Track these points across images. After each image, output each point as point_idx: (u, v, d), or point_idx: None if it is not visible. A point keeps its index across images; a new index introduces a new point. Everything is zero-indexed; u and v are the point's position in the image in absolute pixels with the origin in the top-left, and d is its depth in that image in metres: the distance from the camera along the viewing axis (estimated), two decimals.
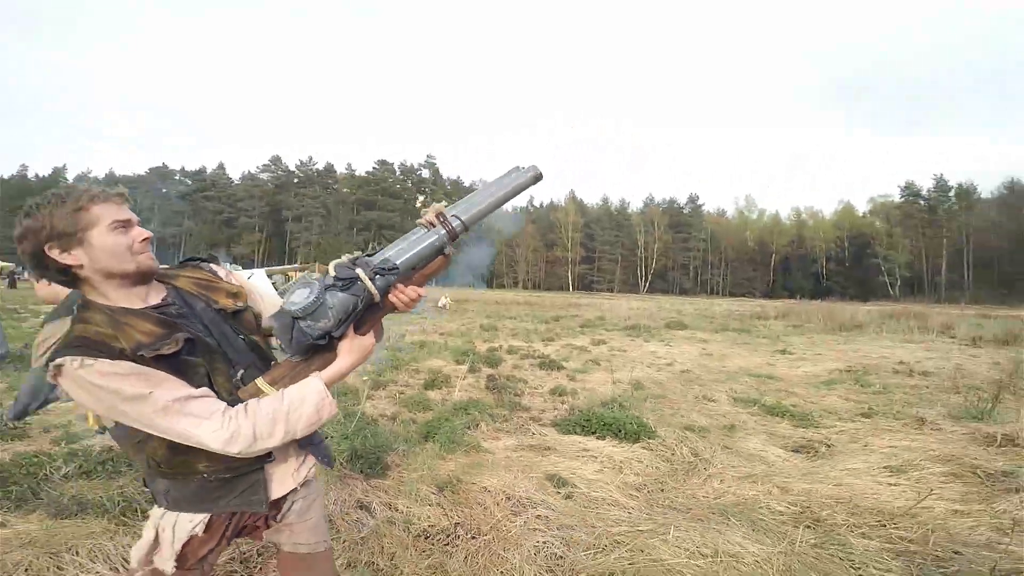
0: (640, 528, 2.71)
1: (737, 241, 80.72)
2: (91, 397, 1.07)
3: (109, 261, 1.14)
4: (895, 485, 3.46)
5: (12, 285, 27.30)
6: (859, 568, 2.40)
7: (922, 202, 71.90)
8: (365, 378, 6.09)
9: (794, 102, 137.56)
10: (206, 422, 1.10)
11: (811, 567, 2.38)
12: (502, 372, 7.24)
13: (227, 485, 1.24)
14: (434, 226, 1.31)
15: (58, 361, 1.05)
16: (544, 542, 2.55)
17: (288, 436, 1.17)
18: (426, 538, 2.58)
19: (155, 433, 1.11)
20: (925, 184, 72.97)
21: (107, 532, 2.48)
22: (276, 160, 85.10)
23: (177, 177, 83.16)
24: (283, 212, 79.58)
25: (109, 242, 1.14)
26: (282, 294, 1.26)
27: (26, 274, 24.30)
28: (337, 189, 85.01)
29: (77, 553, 2.28)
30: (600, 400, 5.43)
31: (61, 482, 3.04)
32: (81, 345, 1.07)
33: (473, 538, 2.57)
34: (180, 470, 1.20)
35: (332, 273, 1.19)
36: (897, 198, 73.79)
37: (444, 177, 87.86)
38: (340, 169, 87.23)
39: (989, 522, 2.91)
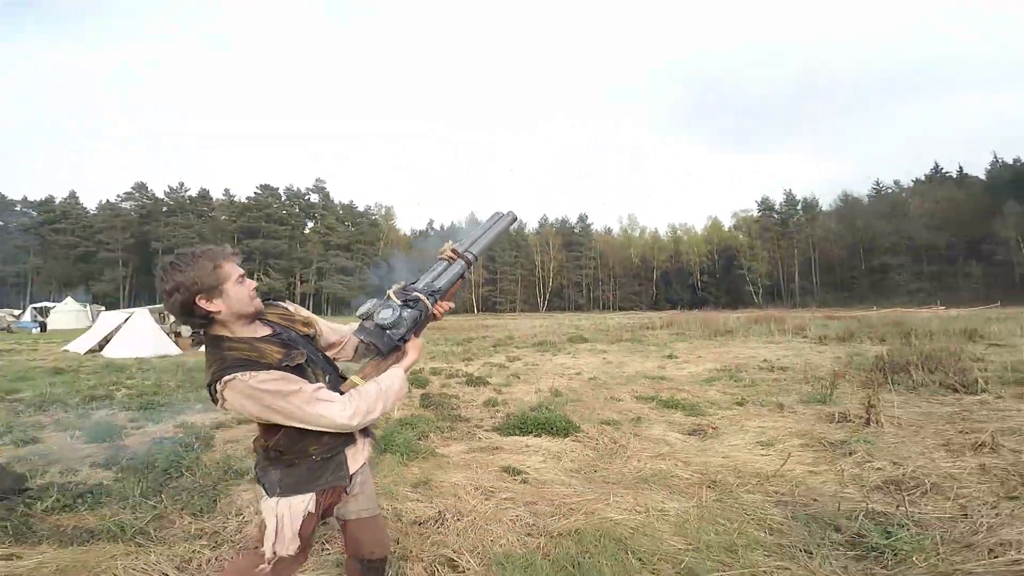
0: (587, 498, 3.45)
1: (623, 258, 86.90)
2: (254, 401, 1.52)
3: (239, 306, 1.61)
4: (766, 455, 4.51)
5: None
6: (750, 513, 3.24)
7: (775, 215, 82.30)
8: None
9: (664, 120, 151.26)
10: (336, 404, 1.61)
11: (717, 515, 3.23)
12: (432, 391, 7.74)
13: (326, 465, 1.72)
14: (454, 259, 1.98)
15: (228, 376, 1.49)
16: (517, 515, 3.20)
17: (385, 409, 1.70)
18: (419, 524, 3.11)
19: (297, 420, 1.56)
20: (778, 199, 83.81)
21: (129, 554, 2.72)
22: (140, 187, 77.15)
23: (18, 208, 72.64)
24: (152, 244, 71.82)
25: (238, 292, 1.61)
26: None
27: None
28: (214, 217, 79.08)
29: (115, 574, 2.53)
30: (528, 407, 6.18)
31: (44, 516, 3.15)
32: (244, 363, 1.52)
33: (458, 520, 3.14)
34: (296, 456, 1.66)
35: (394, 299, 1.81)
36: (755, 213, 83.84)
37: (335, 201, 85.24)
38: (217, 195, 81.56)
39: (833, 478, 3.85)
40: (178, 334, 19.93)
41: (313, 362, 1.73)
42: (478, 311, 76.80)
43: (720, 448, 4.65)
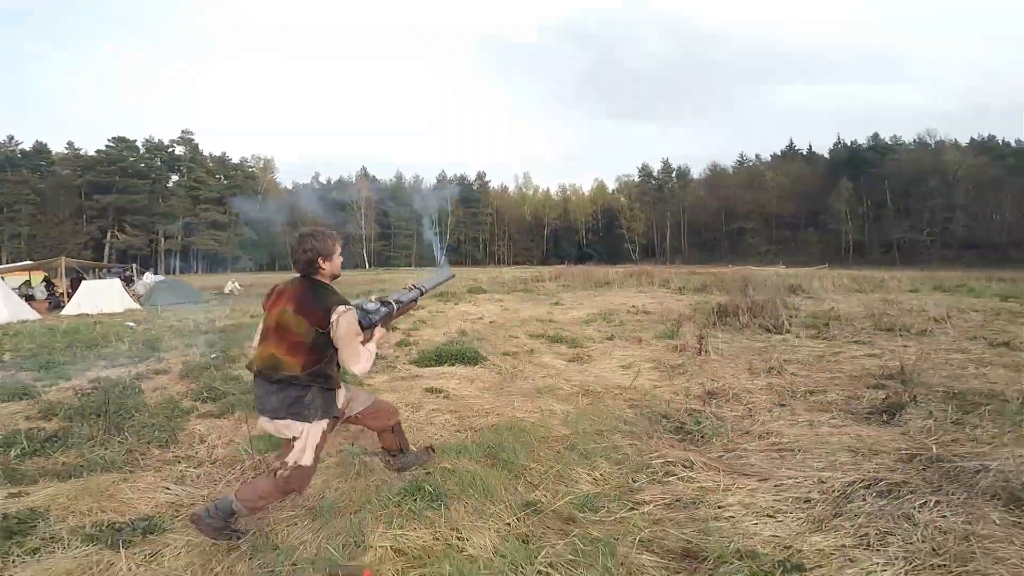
0: (497, 405, 4.55)
1: (518, 215, 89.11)
2: (350, 328, 2.40)
3: (335, 270, 2.57)
4: (625, 374, 5.91)
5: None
6: (612, 412, 4.49)
7: (653, 181, 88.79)
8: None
9: (557, 82, 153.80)
10: (364, 355, 2.49)
11: (589, 413, 4.45)
12: None
13: (336, 397, 2.57)
14: (413, 289, 3.02)
15: (347, 308, 2.39)
16: (445, 420, 4.21)
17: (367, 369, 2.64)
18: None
19: (349, 353, 2.41)
20: (656, 166, 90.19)
21: (126, 480, 3.15)
22: None
23: None
24: None
25: (337, 261, 2.55)
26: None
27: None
28: (55, 172, 69.13)
29: (126, 496, 3.01)
30: (439, 345, 7.14)
31: (18, 462, 3.47)
32: (349, 305, 2.45)
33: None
34: (330, 385, 2.49)
35: (375, 304, 2.77)
36: (636, 178, 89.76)
37: (206, 154, 77.50)
38: (58, 149, 71.10)
39: (669, 389, 5.30)
40: (30, 297, 18.13)
41: None
42: (370, 267, 75.10)
43: (592, 370, 6.00)
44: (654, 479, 3.12)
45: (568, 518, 2.64)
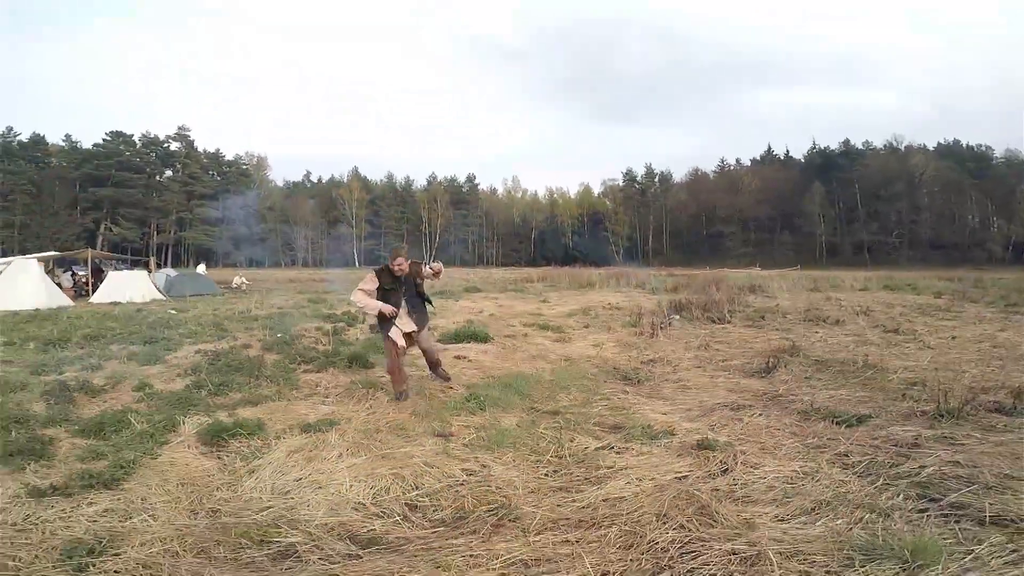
0: (506, 364, 6.68)
1: (506, 217, 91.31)
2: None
3: (394, 267, 4.74)
4: (595, 348, 8.07)
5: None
6: (582, 370, 6.66)
7: (637, 185, 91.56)
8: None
9: (544, 85, 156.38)
10: (356, 292, 5.03)
11: (568, 369, 6.60)
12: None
13: (391, 323, 4.90)
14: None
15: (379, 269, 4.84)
16: (473, 372, 6.31)
17: (363, 310, 5.48)
18: (422, 377, 6.06)
19: (360, 288, 4.96)
20: (640, 171, 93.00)
21: (293, 404, 5.33)
22: None
23: None
24: None
25: (399, 263, 4.81)
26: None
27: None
28: (51, 164, 70.33)
29: (300, 412, 5.15)
30: (455, 329, 9.21)
31: (211, 396, 5.51)
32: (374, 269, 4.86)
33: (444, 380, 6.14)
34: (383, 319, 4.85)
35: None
36: (620, 182, 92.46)
37: (200, 150, 78.84)
38: (55, 141, 72.14)
39: (625, 358, 7.50)
40: (59, 285, 19.80)
41: (400, 288, 4.93)
42: (360, 264, 76.67)
43: (571, 347, 8.18)
44: (603, 398, 5.31)
45: (554, 412, 4.80)
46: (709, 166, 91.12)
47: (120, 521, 2.79)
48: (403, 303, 5.10)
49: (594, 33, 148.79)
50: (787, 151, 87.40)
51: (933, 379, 5.44)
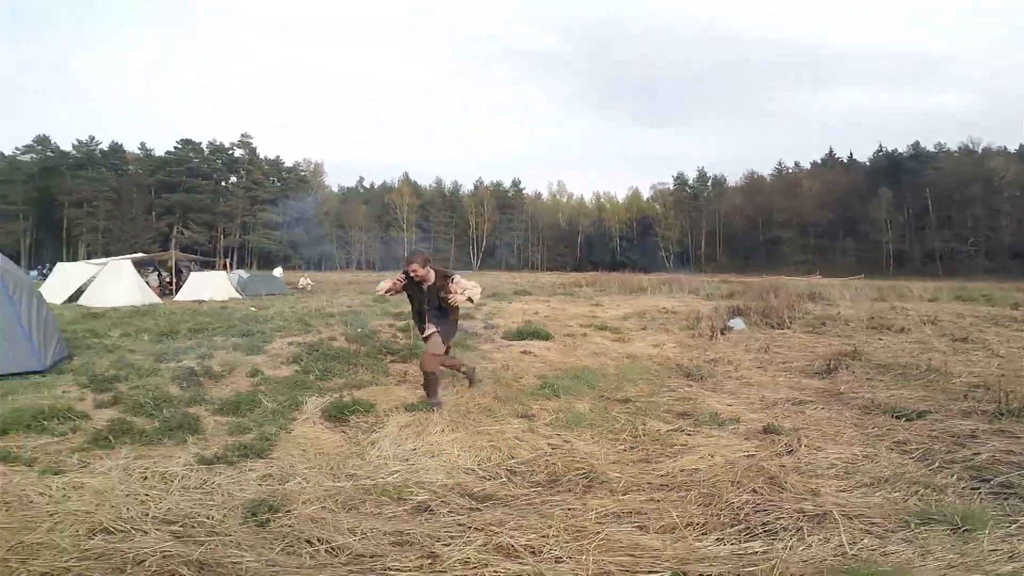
0: (570, 360, 7.13)
1: (552, 221, 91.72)
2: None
3: (415, 274, 5.16)
4: (655, 348, 8.40)
5: None
6: (645, 366, 7.03)
7: (688, 189, 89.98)
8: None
9: (592, 91, 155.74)
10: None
11: (630, 365, 6.98)
12: None
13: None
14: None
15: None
16: (539, 366, 6.79)
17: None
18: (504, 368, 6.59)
19: None
20: (691, 174, 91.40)
21: (388, 390, 5.98)
22: (42, 140, 72.93)
23: None
24: (57, 198, 69.57)
25: (417, 270, 5.11)
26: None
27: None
28: (128, 171, 76.33)
29: (398, 393, 5.79)
30: (516, 329, 9.73)
31: (319, 381, 6.23)
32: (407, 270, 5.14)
33: (512, 369, 6.65)
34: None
35: None
36: (671, 186, 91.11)
37: (261, 156, 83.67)
38: (132, 149, 78.29)
39: (686, 358, 7.80)
40: (147, 283, 21.65)
41: (423, 298, 5.22)
42: None
43: (631, 346, 8.55)
44: (670, 390, 5.68)
45: (624, 400, 5.22)
46: (765, 169, 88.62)
47: (279, 484, 3.31)
48: (427, 314, 5.20)
49: (640, 34, 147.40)
50: (851, 154, 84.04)
51: (997, 383, 5.52)
